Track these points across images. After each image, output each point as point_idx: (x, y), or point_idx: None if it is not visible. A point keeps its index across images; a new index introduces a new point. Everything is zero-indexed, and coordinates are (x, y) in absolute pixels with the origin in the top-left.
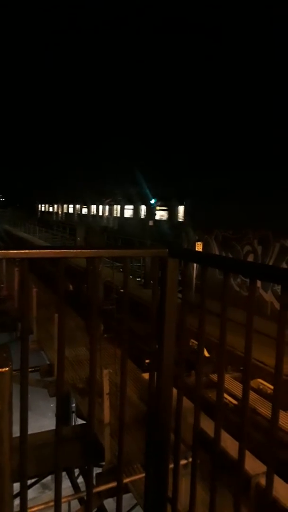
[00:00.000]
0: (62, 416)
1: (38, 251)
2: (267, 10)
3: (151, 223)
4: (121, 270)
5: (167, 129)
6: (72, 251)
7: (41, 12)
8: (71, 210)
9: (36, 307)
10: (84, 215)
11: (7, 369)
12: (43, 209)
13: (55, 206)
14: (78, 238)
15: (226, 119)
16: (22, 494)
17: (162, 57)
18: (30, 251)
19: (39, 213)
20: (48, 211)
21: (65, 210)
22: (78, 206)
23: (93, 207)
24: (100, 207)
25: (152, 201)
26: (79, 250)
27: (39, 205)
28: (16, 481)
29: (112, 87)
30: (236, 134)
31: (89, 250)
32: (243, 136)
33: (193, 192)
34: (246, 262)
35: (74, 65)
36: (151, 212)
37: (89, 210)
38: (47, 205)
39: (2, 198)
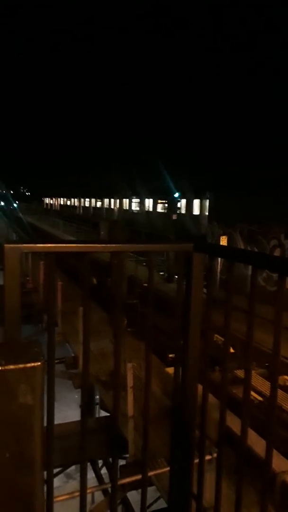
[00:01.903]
0: (86, 408)
1: (64, 245)
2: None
3: (174, 217)
4: (144, 264)
5: (187, 122)
6: (97, 245)
7: (44, 13)
8: (97, 204)
9: (61, 300)
10: (108, 209)
11: (39, 363)
12: (62, 203)
13: (73, 200)
14: (102, 232)
15: (250, 110)
16: (49, 484)
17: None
18: (57, 245)
19: (47, 206)
20: (68, 205)
21: (86, 204)
22: (95, 200)
23: (115, 201)
24: (124, 201)
25: (176, 195)
26: (104, 245)
27: (55, 199)
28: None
29: (129, 82)
30: (263, 127)
31: (114, 245)
32: (270, 129)
33: (213, 185)
34: (275, 257)
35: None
36: (174, 206)
37: (111, 204)
38: (71, 199)
39: (28, 193)
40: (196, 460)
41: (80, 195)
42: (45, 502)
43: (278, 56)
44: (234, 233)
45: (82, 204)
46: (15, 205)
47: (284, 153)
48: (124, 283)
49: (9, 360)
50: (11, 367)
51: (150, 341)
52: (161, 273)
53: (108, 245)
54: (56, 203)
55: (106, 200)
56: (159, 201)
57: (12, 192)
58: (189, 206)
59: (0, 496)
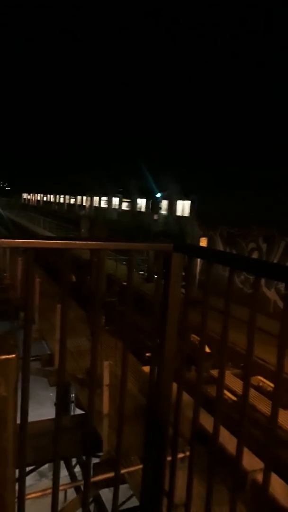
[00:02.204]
0: (61, 405)
1: (43, 241)
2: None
3: (155, 217)
4: (124, 263)
5: (171, 124)
6: (77, 242)
7: (40, 12)
8: (72, 201)
9: (39, 297)
10: (93, 206)
11: (14, 356)
12: (39, 199)
13: (53, 196)
14: (83, 230)
15: (231, 115)
16: (21, 481)
17: (167, 54)
18: (36, 241)
19: (25, 201)
20: (47, 201)
21: (65, 201)
22: (78, 197)
23: (95, 199)
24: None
25: (158, 195)
26: (85, 242)
27: (36, 195)
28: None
29: (118, 85)
30: (244, 131)
31: (94, 242)
32: (250, 132)
33: (198, 187)
34: (252, 259)
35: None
36: (156, 206)
37: (91, 202)
38: (48, 195)
39: (8, 187)
40: (169, 458)
41: (59, 192)
42: (17, 499)
43: (276, 56)
44: (214, 235)
45: (57, 201)
46: None
47: (269, 156)
48: (103, 281)
49: None
50: None
51: (127, 340)
52: (140, 272)
53: (89, 242)
54: (33, 199)
55: (81, 198)
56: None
57: None
58: (171, 207)
59: None
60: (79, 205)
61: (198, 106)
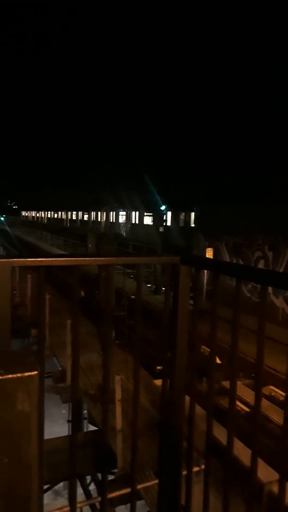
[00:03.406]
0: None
1: (53, 259)
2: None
3: (161, 229)
4: (132, 276)
5: (173, 135)
6: (86, 259)
7: (38, 14)
8: (81, 217)
9: (49, 313)
10: (97, 222)
11: (36, 372)
12: (49, 216)
13: (60, 213)
14: (89, 245)
15: (234, 123)
16: (39, 499)
17: (169, 61)
18: (46, 259)
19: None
20: (55, 218)
21: (70, 217)
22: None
23: (102, 214)
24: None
25: (162, 208)
26: (93, 258)
27: (47, 212)
28: None
29: (119, 93)
30: (246, 137)
31: (102, 258)
32: (252, 139)
33: (200, 198)
34: (258, 269)
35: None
36: (161, 218)
37: (97, 217)
38: (52, 212)
39: (15, 206)
40: (185, 472)
41: (61, 209)
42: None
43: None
44: (220, 245)
45: (60, 217)
46: (1, 218)
47: (270, 165)
48: (112, 296)
49: (7, 369)
50: (10, 376)
51: (138, 354)
52: (148, 285)
53: (97, 258)
54: (29, 215)
55: (93, 213)
56: (146, 213)
57: None
58: (176, 218)
59: None
60: (81, 220)
61: (200, 117)
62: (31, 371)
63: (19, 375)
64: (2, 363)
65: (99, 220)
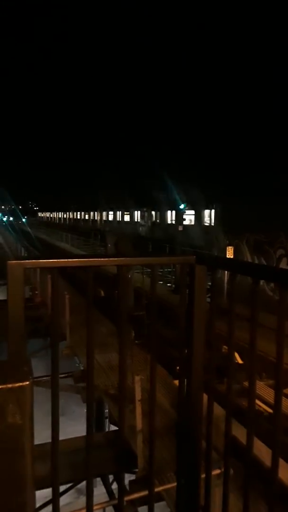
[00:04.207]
0: (96, 422)
1: (66, 260)
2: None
3: (180, 228)
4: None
5: (190, 133)
6: (100, 259)
7: (43, 18)
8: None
9: (69, 313)
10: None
11: (27, 383)
12: (65, 216)
13: (80, 213)
14: (109, 245)
15: (255, 120)
16: (55, 501)
17: (187, 60)
18: (57, 260)
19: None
20: (77, 218)
21: (90, 217)
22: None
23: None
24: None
25: (182, 206)
26: (107, 259)
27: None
28: (49, 487)
29: (135, 94)
30: (269, 135)
31: (116, 258)
32: (275, 137)
33: (220, 196)
34: (275, 268)
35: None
36: (180, 217)
37: (115, 216)
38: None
39: (36, 207)
40: (203, 475)
41: (82, 209)
42: None
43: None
44: (241, 243)
45: (81, 217)
46: (24, 220)
47: None
48: (131, 295)
49: None
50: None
51: (154, 354)
52: (168, 284)
53: (111, 259)
54: (45, 216)
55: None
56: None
57: (20, 207)
58: (196, 217)
59: None
60: (105, 220)
61: (218, 115)
62: (23, 381)
63: (9, 385)
64: None
65: (114, 219)
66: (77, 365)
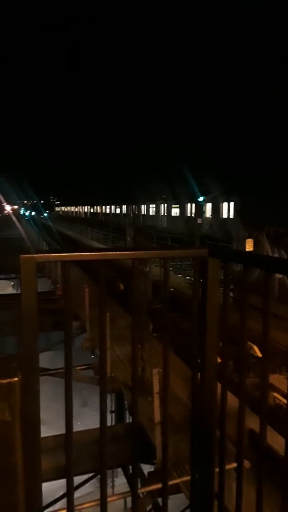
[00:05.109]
0: (116, 413)
1: (77, 254)
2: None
3: (199, 221)
4: (171, 269)
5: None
6: (111, 253)
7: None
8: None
9: (89, 306)
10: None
11: (16, 379)
12: (86, 210)
13: (100, 207)
14: (128, 238)
15: (277, 113)
16: (69, 490)
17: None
18: (68, 254)
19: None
20: (92, 212)
21: (111, 211)
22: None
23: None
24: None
25: (200, 199)
26: (119, 252)
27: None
28: (63, 478)
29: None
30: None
31: (128, 252)
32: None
33: (239, 188)
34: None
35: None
36: (199, 209)
37: (139, 210)
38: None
39: (57, 202)
40: (217, 469)
41: (103, 203)
42: (67, 508)
43: None
44: (261, 236)
45: (103, 211)
46: (45, 214)
47: None
48: (149, 288)
49: None
50: None
51: (167, 347)
52: (187, 277)
53: (122, 252)
54: (63, 210)
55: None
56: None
57: (42, 202)
58: (215, 209)
59: None
60: (124, 214)
61: (237, 106)
62: (10, 377)
63: None
64: None
65: (138, 213)
66: (92, 356)
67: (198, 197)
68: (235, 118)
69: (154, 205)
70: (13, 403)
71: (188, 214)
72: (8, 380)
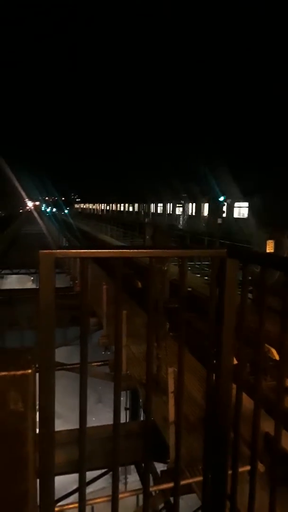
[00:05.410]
0: (131, 411)
1: (94, 251)
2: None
3: (219, 221)
4: (189, 268)
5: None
6: (129, 251)
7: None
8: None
9: (107, 304)
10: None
11: (30, 371)
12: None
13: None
14: (147, 237)
15: None
16: (81, 484)
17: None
18: (87, 251)
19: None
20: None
21: (129, 209)
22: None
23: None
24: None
25: (221, 198)
26: (136, 250)
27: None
28: (76, 472)
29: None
30: None
31: (145, 250)
32: None
33: (261, 188)
34: None
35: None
36: (219, 209)
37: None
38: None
39: (78, 199)
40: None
41: (123, 201)
42: (78, 503)
43: None
44: (282, 237)
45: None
46: (66, 211)
47: None
48: (167, 287)
49: (0, 366)
50: (1, 373)
51: (183, 346)
52: (205, 278)
53: (140, 250)
54: (80, 207)
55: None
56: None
57: (63, 198)
58: (234, 209)
59: None
60: (144, 212)
61: (256, 104)
62: (24, 369)
63: (11, 373)
64: None
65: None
66: (108, 353)
67: (218, 197)
68: (258, 117)
69: (168, 204)
70: (26, 395)
71: (205, 214)
72: (22, 371)
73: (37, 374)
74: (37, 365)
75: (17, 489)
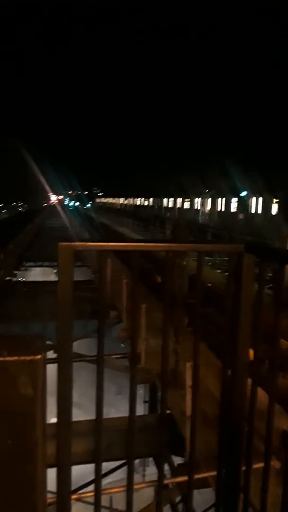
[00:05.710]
0: (150, 404)
1: (114, 243)
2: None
3: (241, 216)
4: (209, 264)
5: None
6: (146, 244)
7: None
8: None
9: (126, 297)
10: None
11: (39, 356)
12: (126, 202)
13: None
14: (168, 232)
15: None
16: (97, 475)
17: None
18: (105, 244)
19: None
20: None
21: (149, 204)
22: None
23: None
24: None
25: (244, 193)
26: (154, 244)
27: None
28: (91, 462)
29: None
30: None
31: (163, 244)
32: None
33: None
34: None
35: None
36: (242, 205)
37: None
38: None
39: (100, 193)
40: (243, 468)
41: (144, 196)
42: (94, 492)
43: None
44: None
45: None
46: (88, 205)
47: None
48: (186, 282)
49: (11, 352)
50: (12, 358)
51: (198, 341)
52: (226, 273)
53: (157, 244)
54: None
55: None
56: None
57: (86, 192)
58: (258, 205)
59: (0, 487)
60: (165, 207)
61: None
62: (35, 355)
63: (22, 358)
64: (6, 346)
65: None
66: (123, 345)
67: (241, 192)
68: (278, 113)
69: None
70: (36, 380)
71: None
72: (31, 357)
73: (48, 362)
74: (46, 352)
75: (26, 472)
